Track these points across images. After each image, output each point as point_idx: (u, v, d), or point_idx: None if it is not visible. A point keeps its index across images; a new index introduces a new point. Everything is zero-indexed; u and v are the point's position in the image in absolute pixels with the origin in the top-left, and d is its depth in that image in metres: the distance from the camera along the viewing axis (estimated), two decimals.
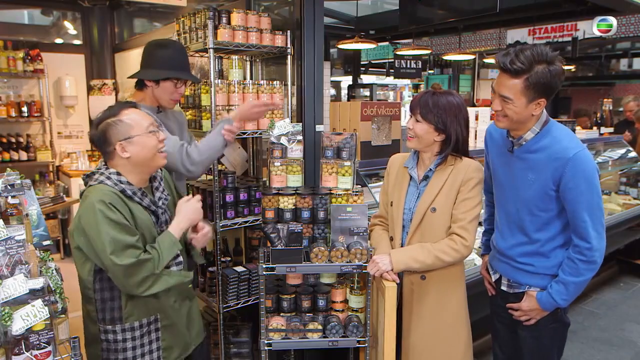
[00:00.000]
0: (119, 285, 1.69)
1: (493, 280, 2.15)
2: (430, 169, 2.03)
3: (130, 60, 4.84)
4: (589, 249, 1.79)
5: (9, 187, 1.78)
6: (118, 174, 1.74)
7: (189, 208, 1.87)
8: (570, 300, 1.90)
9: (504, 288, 2.07)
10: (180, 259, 1.79)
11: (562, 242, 1.91)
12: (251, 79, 3.11)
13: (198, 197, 1.92)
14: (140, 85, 2.29)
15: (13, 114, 4.85)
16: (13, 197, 1.78)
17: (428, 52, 8.39)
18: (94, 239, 1.63)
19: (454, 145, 1.97)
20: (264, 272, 2.05)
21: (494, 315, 2.20)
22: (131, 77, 2.29)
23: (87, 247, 1.68)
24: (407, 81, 10.09)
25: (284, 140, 2.28)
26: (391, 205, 2.12)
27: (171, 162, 2.13)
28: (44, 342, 1.41)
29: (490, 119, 4.22)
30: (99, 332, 1.76)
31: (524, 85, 1.72)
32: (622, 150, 5.15)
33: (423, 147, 2.02)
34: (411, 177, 2.09)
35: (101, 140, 1.73)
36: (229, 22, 2.47)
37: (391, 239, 2.13)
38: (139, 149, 1.73)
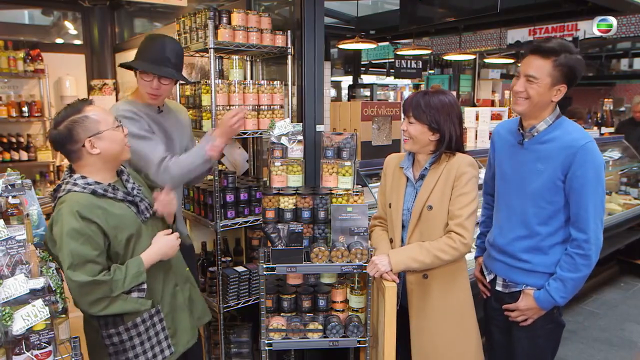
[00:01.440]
0: (74, 302, 1.65)
1: (487, 280, 2.13)
2: (426, 168, 2.03)
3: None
4: (586, 241, 1.81)
5: (9, 187, 1.78)
6: (83, 177, 1.70)
7: (165, 242, 1.85)
8: (568, 298, 1.89)
9: (498, 288, 2.06)
10: (144, 286, 1.75)
11: (562, 239, 1.91)
12: (251, 79, 3.11)
13: (177, 234, 1.90)
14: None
15: (13, 114, 4.84)
16: (14, 197, 1.78)
17: (428, 52, 8.38)
18: (59, 249, 1.63)
19: (448, 143, 1.98)
20: (265, 272, 2.05)
21: (488, 319, 2.18)
22: (120, 65, 2.24)
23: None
24: (407, 81, 10.10)
25: (284, 140, 2.28)
26: (390, 206, 2.12)
27: (144, 167, 2.08)
28: (44, 342, 1.41)
29: (491, 119, 4.22)
30: (102, 338, 1.74)
31: (552, 66, 1.80)
32: (623, 151, 5.14)
33: (419, 148, 2.03)
34: (407, 177, 2.09)
35: (67, 139, 1.67)
36: (229, 22, 2.47)
37: (391, 240, 2.12)
38: (108, 144, 1.71)
